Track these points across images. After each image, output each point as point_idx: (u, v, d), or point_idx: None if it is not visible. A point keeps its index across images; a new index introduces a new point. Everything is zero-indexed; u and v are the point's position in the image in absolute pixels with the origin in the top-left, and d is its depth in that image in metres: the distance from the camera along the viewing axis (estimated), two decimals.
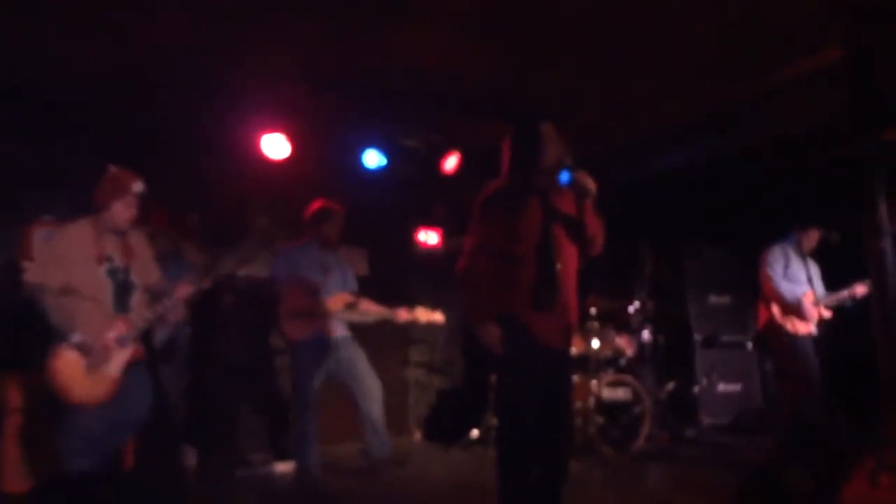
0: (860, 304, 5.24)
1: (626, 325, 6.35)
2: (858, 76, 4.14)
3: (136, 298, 3.71)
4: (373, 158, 6.18)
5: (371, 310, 4.92)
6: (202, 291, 3.93)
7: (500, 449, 3.17)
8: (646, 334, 6.40)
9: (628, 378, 5.82)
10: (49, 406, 3.49)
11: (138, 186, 3.71)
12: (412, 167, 6.36)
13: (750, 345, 7.09)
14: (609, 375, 5.80)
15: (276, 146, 5.65)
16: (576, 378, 5.82)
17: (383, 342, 6.47)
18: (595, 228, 3.31)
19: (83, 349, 3.46)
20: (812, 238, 5.53)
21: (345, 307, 4.85)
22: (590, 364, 5.91)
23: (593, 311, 6.07)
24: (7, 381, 4.22)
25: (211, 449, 5.18)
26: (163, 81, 5.11)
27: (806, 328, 5.38)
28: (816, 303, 5.38)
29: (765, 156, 6.67)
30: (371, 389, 4.74)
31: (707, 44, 4.72)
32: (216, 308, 5.61)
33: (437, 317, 5.02)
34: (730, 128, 6.18)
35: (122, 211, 3.65)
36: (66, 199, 5.23)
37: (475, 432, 6.01)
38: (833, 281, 5.57)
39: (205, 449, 5.13)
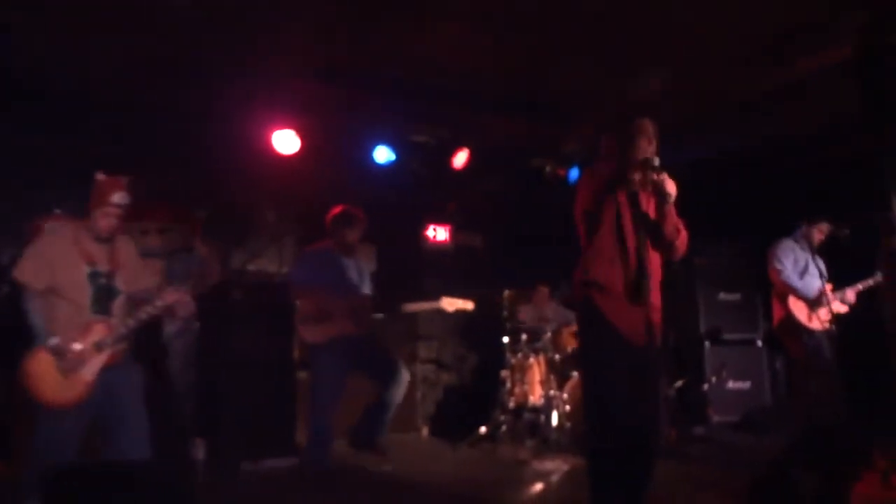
0: (871, 301, 5.21)
1: None
2: (871, 73, 4.11)
3: (118, 304, 3.71)
4: (382, 154, 6.18)
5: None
6: (206, 289, 3.94)
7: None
8: None
9: None
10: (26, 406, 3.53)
11: (119, 197, 3.68)
12: (422, 163, 6.36)
13: (760, 342, 7.05)
14: None
15: (285, 141, 5.65)
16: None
17: (391, 338, 6.48)
18: (673, 233, 3.25)
19: (58, 352, 3.47)
20: (822, 231, 5.48)
21: (363, 307, 4.88)
22: None
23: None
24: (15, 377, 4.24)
25: (220, 443, 5.20)
26: (173, 77, 5.12)
27: (822, 324, 5.35)
28: (833, 298, 5.35)
29: (776, 152, 6.63)
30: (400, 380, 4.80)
31: (719, 40, 4.69)
32: (225, 303, 5.62)
33: (467, 305, 5.01)
34: (740, 124, 6.16)
35: (100, 219, 3.66)
36: (75, 195, 5.25)
37: (483, 429, 6.01)
38: (840, 277, 5.54)
39: (213, 442, 5.15)
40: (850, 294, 5.45)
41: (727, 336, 7.01)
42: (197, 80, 5.17)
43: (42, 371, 3.45)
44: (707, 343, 6.96)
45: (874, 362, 4.37)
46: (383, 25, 4.53)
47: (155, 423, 4.73)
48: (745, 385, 6.92)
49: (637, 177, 3.21)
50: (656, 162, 3.10)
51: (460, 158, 6.34)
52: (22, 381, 3.43)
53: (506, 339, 6.28)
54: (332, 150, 6.27)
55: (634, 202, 3.21)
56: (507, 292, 6.34)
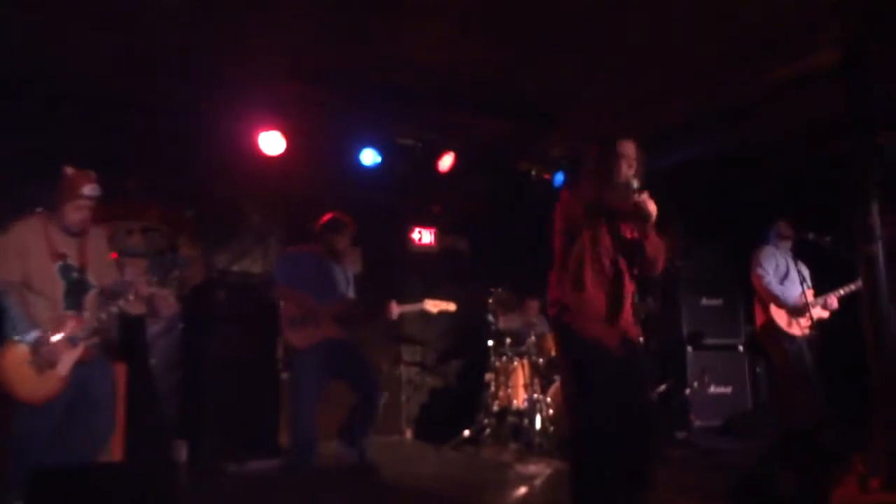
0: (852, 307, 5.27)
1: None
2: (853, 78, 4.17)
3: (90, 298, 3.68)
4: (368, 156, 6.18)
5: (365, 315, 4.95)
6: (189, 290, 3.93)
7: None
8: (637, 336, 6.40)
9: None
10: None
11: (90, 189, 3.66)
12: (407, 165, 6.36)
13: (741, 347, 7.11)
14: None
15: (271, 143, 5.64)
16: None
17: (375, 341, 6.47)
18: (655, 251, 3.30)
19: (35, 347, 3.44)
20: (785, 229, 5.57)
21: (346, 311, 4.87)
22: None
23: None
24: None
25: (202, 443, 5.17)
26: (158, 77, 5.09)
27: (802, 330, 5.41)
28: (814, 303, 5.42)
29: (758, 157, 6.69)
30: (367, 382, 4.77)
31: (701, 45, 4.73)
32: (209, 303, 5.60)
33: (449, 306, 5.03)
34: (723, 129, 6.20)
35: (71, 213, 3.63)
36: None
37: (467, 432, 6.01)
38: (822, 283, 5.62)
39: (196, 443, 5.12)
40: (833, 299, 5.51)
41: (709, 341, 7.06)
42: (183, 81, 5.15)
43: (17, 367, 3.42)
44: (689, 348, 7.00)
45: (854, 367, 4.42)
46: (370, 28, 4.53)
47: (137, 424, 4.72)
48: (726, 390, 6.96)
49: (617, 200, 3.26)
50: (636, 185, 3.18)
51: (446, 162, 6.36)
52: None
53: (490, 343, 6.29)
54: (318, 151, 6.26)
55: (613, 225, 3.28)
56: (491, 295, 6.36)
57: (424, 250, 7.20)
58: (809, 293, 5.44)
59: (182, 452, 5.14)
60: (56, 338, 3.47)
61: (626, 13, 4.31)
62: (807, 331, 5.41)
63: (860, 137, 4.10)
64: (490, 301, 6.37)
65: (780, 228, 5.63)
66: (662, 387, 6.20)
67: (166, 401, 5.46)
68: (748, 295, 6.07)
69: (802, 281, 5.39)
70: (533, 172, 6.89)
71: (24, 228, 3.59)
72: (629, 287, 3.31)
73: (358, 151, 6.18)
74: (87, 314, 3.62)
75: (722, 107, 5.77)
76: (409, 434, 6.81)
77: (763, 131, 6.26)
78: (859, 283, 5.01)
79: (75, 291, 3.62)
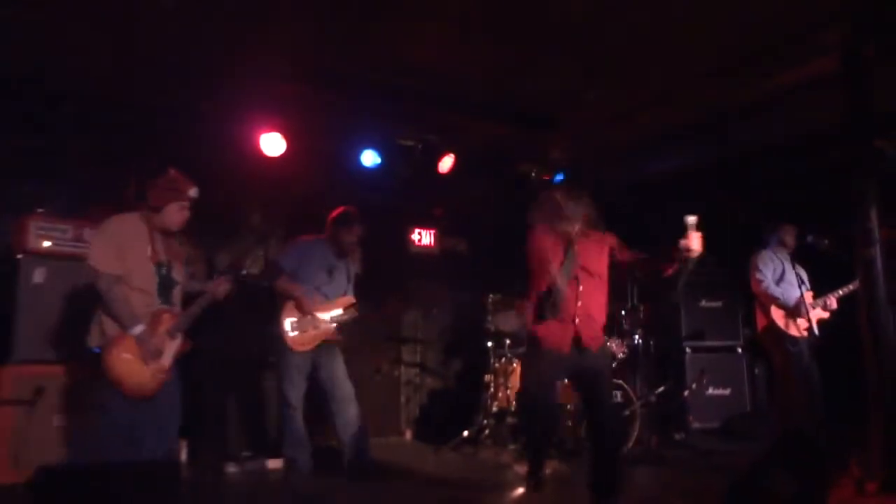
0: (850, 308, 5.29)
1: (617, 329, 6.38)
2: (853, 84, 4.18)
3: (176, 294, 3.80)
4: (369, 158, 6.20)
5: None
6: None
7: None
8: (637, 337, 6.42)
9: (619, 381, 5.85)
10: (89, 399, 3.56)
11: (194, 192, 3.79)
12: (408, 167, 6.37)
13: (740, 349, 7.13)
14: None
15: (272, 144, 5.66)
16: (566, 380, 5.84)
17: (375, 341, 6.48)
18: (628, 261, 4.12)
19: (141, 340, 3.51)
20: (789, 234, 5.61)
21: (344, 310, 4.91)
22: None
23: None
24: None
25: (201, 443, 5.18)
26: (159, 77, 5.11)
27: (802, 332, 5.43)
28: (813, 305, 5.45)
29: (758, 161, 6.70)
30: (348, 394, 4.83)
31: (703, 49, 4.75)
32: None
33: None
34: (723, 133, 6.22)
35: (175, 213, 3.73)
36: (58, 192, 5.24)
37: (465, 433, 6.03)
38: (822, 286, 5.64)
39: (195, 443, 5.13)
40: (832, 300, 5.54)
41: (708, 343, 7.07)
42: (184, 81, 5.16)
43: (126, 360, 3.48)
44: (688, 350, 7.02)
45: (852, 369, 4.44)
46: (370, 30, 4.54)
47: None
48: (725, 392, 6.98)
49: (576, 230, 4.00)
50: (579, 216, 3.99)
51: (446, 163, 6.37)
52: (104, 370, 3.44)
53: (489, 344, 6.31)
54: (319, 152, 6.27)
55: (571, 252, 3.97)
56: (491, 297, 6.37)
57: (424, 251, 7.21)
58: (808, 295, 5.47)
59: (181, 452, 5.16)
60: (159, 331, 3.58)
61: (625, 17, 4.33)
62: (806, 332, 5.43)
63: (859, 142, 4.11)
64: (489, 302, 6.39)
65: (784, 235, 5.65)
66: (661, 388, 6.22)
67: None
68: (747, 297, 6.09)
69: (801, 283, 5.42)
70: (533, 174, 6.90)
71: (125, 224, 3.66)
72: (598, 296, 4.04)
73: (358, 153, 6.19)
74: (177, 309, 3.76)
75: (721, 111, 5.79)
76: (408, 435, 6.82)
77: (763, 135, 6.28)
78: (857, 283, 5.04)
79: (166, 287, 3.73)
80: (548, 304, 3.92)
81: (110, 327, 3.55)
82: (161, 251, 3.72)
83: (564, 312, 3.90)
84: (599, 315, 4.05)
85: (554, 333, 3.92)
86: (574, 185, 4.42)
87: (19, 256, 4.38)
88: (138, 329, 3.52)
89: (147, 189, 3.75)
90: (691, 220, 3.79)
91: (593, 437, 4.06)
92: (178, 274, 3.83)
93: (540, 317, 3.96)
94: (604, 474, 3.89)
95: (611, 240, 4.13)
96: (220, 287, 3.94)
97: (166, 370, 3.62)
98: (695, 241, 3.74)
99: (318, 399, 4.85)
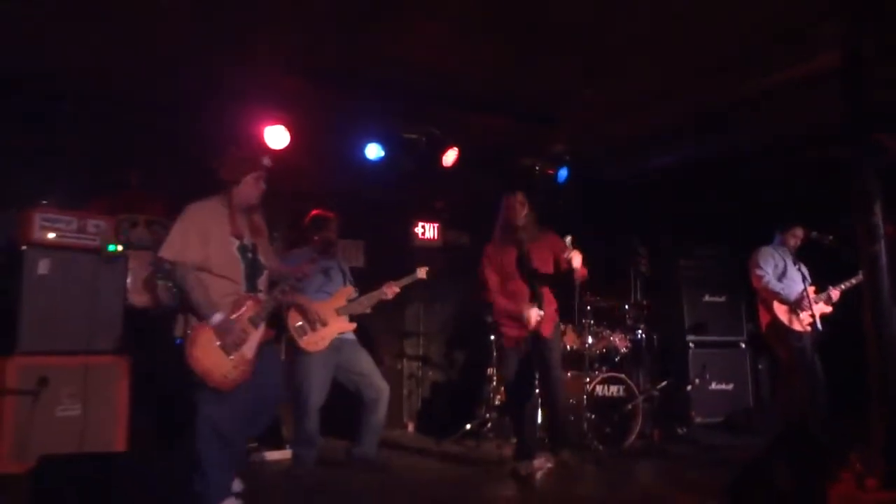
0: (852, 303, 5.29)
1: (620, 323, 6.38)
2: (854, 79, 4.16)
3: (263, 280, 3.66)
4: (372, 151, 6.19)
5: (367, 300, 4.98)
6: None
7: None
8: (640, 332, 6.43)
9: (621, 375, 5.86)
10: (185, 392, 3.42)
11: (268, 161, 3.67)
12: (411, 160, 6.37)
13: (743, 344, 7.13)
14: (602, 372, 5.83)
15: (276, 137, 5.65)
16: (569, 374, 5.85)
17: (378, 335, 6.49)
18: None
19: (221, 329, 3.37)
20: (797, 236, 5.60)
21: (347, 301, 4.92)
22: (583, 360, 5.93)
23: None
24: (2, 363, 4.23)
25: None
26: (163, 71, 5.11)
27: (805, 327, 5.43)
28: (816, 299, 5.44)
29: (761, 157, 6.69)
30: (377, 395, 4.83)
31: (704, 44, 4.73)
32: None
33: (421, 273, 5.26)
34: (726, 128, 6.20)
35: (252, 185, 3.62)
36: (61, 185, 5.26)
37: (468, 426, 6.04)
38: (824, 279, 5.64)
39: None
40: (835, 293, 5.55)
41: (711, 338, 7.07)
42: (189, 75, 5.16)
43: (210, 352, 3.35)
44: (691, 344, 7.02)
45: (854, 364, 4.43)
46: (374, 24, 4.53)
47: (140, 417, 4.75)
48: (727, 386, 6.99)
49: (523, 236, 4.82)
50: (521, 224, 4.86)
51: (450, 156, 6.36)
52: (186, 362, 3.32)
53: (492, 337, 6.31)
54: (323, 145, 6.27)
55: (524, 258, 4.81)
56: None
57: (427, 245, 7.21)
58: (811, 290, 5.46)
59: (185, 444, 5.17)
60: (241, 319, 3.41)
61: (625, 14, 4.32)
62: (809, 327, 5.44)
63: (862, 138, 4.09)
64: None
65: (790, 237, 5.63)
66: (664, 383, 6.22)
67: (169, 393, 5.49)
68: (750, 292, 6.08)
69: (804, 279, 5.41)
70: (537, 168, 6.89)
71: (203, 211, 3.55)
72: (548, 293, 4.87)
73: (362, 146, 6.19)
74: (261, 295, 3.60)
75: (724, 107, 5.77)
76: (410, 428, 6.84)
77: (765, 131, 6.26)
78: (860, 276, 5.03)
79: (252, 272, 3.59)
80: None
81: (193, 317, 3.43)
82: (245, 232, 3.60)
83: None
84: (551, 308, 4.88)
85: (514, 331, 4.81)
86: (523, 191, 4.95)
87: (24, 248, 4.39)
88: (217, 318, 3.37)
89: (218, 167, 3.63)
90: (568, 239, 4.60)
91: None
92: (265, 257, 3.70)
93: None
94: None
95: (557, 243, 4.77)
96: (303, 270, 3.85)
97: (249, 361, 3.45)
98: (575, 259, 4.57)
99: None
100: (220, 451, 3.38)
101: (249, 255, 3.60)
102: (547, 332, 4.78)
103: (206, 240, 3.45)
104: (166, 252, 3.41)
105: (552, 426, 4.98)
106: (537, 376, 4.91)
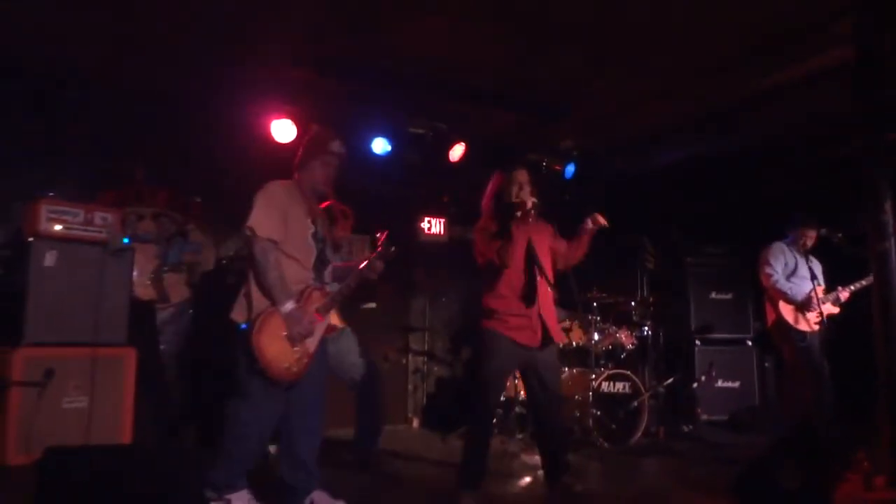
0: (862, 303, 5.26)
1: (626, 320, 6.36)
2: (865, 75, 4.13)
3: (329, 274, 3.54)
4: (379, 145, 6.18)
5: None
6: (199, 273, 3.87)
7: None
8: (646, 329, 6.41)
9: (627, 372, 5.84)
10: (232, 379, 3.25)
11: (337, 146, 3.55)
12: (418, 155, 6.35)
13: (749, 342, 7.10)
14: (608, 369, 5.82)
15: (283, 130, 5.65)
16: (575, 371, 5.84)
17: (382, 330, 6.49)
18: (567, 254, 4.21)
19: (292, 319, 3.18)
20: (810, 236, 5.56)
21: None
22: (589, 357, 5.93)
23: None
24: (8, 354, 4.23)
25: (210, 428, 5.21)
26: (169, 62, 5.11)
27: (812, 326, 5.40)
28: (824, 299, 5.41)
29: (770, 153, 6.65)
30: (358, 377, 4.76)
31: (713, 40, 4.70)
32: (218, 290, 5.63)
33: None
34: (735, 124, 6.17)
35: (319, 169, 3.49)
36: (68, 177, 5.27)
37: None
38: (836, 279, 5.61)
39: (204, 428, 5.16)
40: (843, 294, 5.51)
41: (717, 335, 7.05)
42: (196, 67, 5.16)
43: (276, 340, 3.17)
44: (698, 342, 7.00)
45: (862, 364, 4.41)
46: (381, 18, 4.52)
47: (146, 408, 4.76)
48: (734, 384, 6.96)
49: (517, 217, 3.95)
50: (529, 205, 3.91)
51: (457, 151, 6.34)
52: (249, 350, 3.13)
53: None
54: None
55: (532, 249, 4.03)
56: None
57: (434, 240, 7.20)
58: (820, 290, 5.43)
59: (191, 436, 5.19)
60: (309, 310, 3.25)
61: (634, 8, 4.29)
62: (816, 327, 5.41)
63: (872, 135, 4.06)
64: None
65: (804, 235, 5.58)
66: (669, 380, 6.20)
67: (175, 385, 5.51)
68: (757, 290, 6.06)
69: (813, 278, 5.38)
70: (544, 163, 6.87)
71: (282, 188, 3.40)
72: (545, 287, 4.04)
73: (369, 140, 6.17)
74: (328, 287, 3.45)
75: (733, 104, 5.74)
76: (415, 423, 6.85)
77: (774, 128, 6.22)
78: (870, 279, 5.00)
79: (321, 262, 3.45)
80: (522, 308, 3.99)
81: (259, 301, 3.22)
82: (318, 220, 3.48)
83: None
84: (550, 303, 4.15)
85: (518, 329, 4.00)
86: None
87: (31, 239, 4.39)
88: (289, 305, 3.16)
89: (296, 150, 3.57)
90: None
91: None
92: (331, 251, 3.57)
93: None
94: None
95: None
96: (374, 266, 3.50)
97: (311, 354, 3.27)
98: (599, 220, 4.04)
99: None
100: (243, 445, 3.28)
101: (321, 244, 3.45)
102: (556, 340, 4.14)
103: (284, 217, 3.30)
104: (252, 222, 3.24)
105: (557, 457, 4.14)
106: (535, 398, 4.16)
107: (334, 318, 4.76)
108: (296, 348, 3.22)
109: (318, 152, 3.52)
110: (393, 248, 3.49)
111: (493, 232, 3.96)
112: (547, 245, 4.15)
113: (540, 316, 3.98)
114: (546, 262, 4.09)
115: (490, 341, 4.00)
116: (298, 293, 3.27)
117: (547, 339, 3.99)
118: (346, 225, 4.88)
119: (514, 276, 3.99)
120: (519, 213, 3.93)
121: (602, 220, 4.02)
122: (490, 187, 4.20)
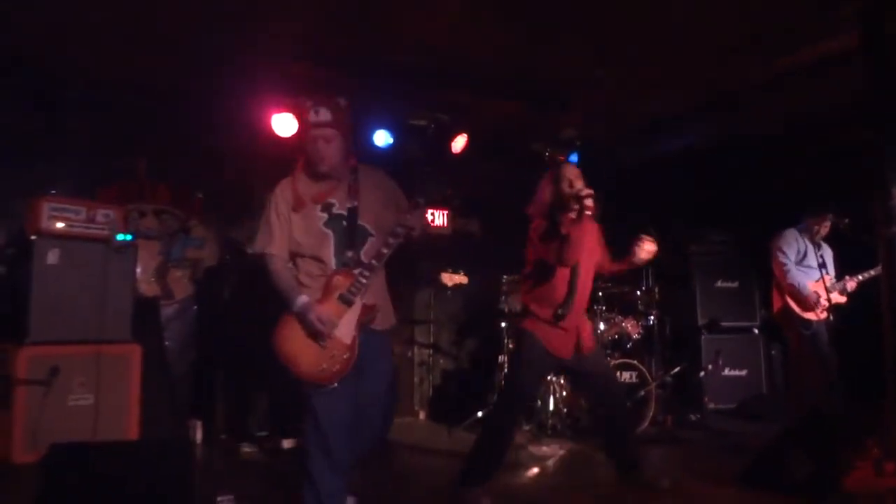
0: (869, 291, 5.23)
1: (632, 309, 6.34)
2: (873, 61, 4.08)
3: (368, 246, 3.16)
4: (381, 138, 6.15)
5: None
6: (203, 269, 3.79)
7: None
8: (652, 318, 6.38)
9: (634, 361, 5.83)
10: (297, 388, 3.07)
11: (314, 115, 3.13)
12: (420, 147, 6.32)
13: (756, 331, 7.08)
14: (615, 359, 5.80)
15: (284, 124, 5.63)
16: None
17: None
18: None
19: (302, 314, 2.99)
20: (824, 226, 5.52)
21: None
22: None
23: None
24: (13, 353, 4.24)
25: (216, 424, 5.22)
26: (173, 58, 5.08)
27: (819, 314, 5.38)
28: (832, 288, 5.38)
29: (776, 140, 6.61)
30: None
31: (719, 25, 4.66)
32: (223, 285, 5.63)
33: (463, 279, 5.02)
34: (740, 111, 6.13)
35: (308, 149, 3.16)
36: (69, 174, 5.26)
37: (480, 413, 6.02)
38: (845, 267, 5.57)
39: (210, 423, 5.17)
40: (851, 283, 5.48)
41: (724, 324, 7.02)
42: (197, 62, 5.13)
43: (297, 342, 3.00)
44: (704, 331, 6.97)
45: (870, 351, 4.39)
46: (380, 8, 4.48)
47: (151, 404, 4.76)
48: (741, 373, 6.95)
49: (570, 214, 3.85)
50: (585, 195, 3.70)
51: (459, 143, 6.31)
52: (281, 358, 3.01)
53: (503, 324, 6.28)
54: None
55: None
56: (505, 278, 6.33)
57: (437, 232, 7.17)
58: (828, 278, 5.39)
59: (196, 432, 5.20)
60: (326, 301, 3.01)
61: None
62: (823, 315, 5.38)
63: (880, 120, 4.02)
64: (504, 283, 6.35)
65: (818, 223, 5.53)
66: (676, 369, 6.18)
67: (181, 381, 5.51)
68: (764, 278, 6.03)
69: (822, 266, 5.35)
70: (546, 154, 6.83)
71: (278, 194, 3.20)
72: (587, 289, 4.01)
73: (370, 133, 6.15)
74: (356, 268, 3.08)
75: (739, 90, 5.69)
76: (422, 415, 6.84)
77: (781, 115, 6.18)
78: (879, 269, 4.96)
79: (349, 241, 3.11)
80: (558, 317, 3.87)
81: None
82: (337, 199, 3.16)
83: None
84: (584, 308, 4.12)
85: (554, 338, 3.92)
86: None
87: (33, 237, 4.39)
88: (300, 302, 3.00)
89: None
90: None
91: None
92: (373, 222, 3.20)
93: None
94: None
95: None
96: (405, 223, 3.11)
97: (348, 346, 3.00)
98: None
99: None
100: (325, 454, 3.02)
101: (343, 222, 3.13)
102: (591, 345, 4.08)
103: (282, 225, 3.14)
104: (254, 247, 3.19)
105: (631, 447, 4.22)
106: (595, 397, 4.25)
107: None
108: (324, 344, 3.00)
109: (301, 130, 3.31)
110: (422, 201, 3.22)
111: (550, 231, 3.84)
112: (594, 249, 4.06)
113: (577, 326, 3.96)
114: (591, 268, 4.04)
115: (528, 350, 3.93)
116: (321, 287, 3.08)
117: (579, 347, 3.96)
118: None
119: (560, 280, 3.89)
120: (577, 207, 3.74)
121: (652, 249, 3.99)
122: (541, 186, 4.08)
